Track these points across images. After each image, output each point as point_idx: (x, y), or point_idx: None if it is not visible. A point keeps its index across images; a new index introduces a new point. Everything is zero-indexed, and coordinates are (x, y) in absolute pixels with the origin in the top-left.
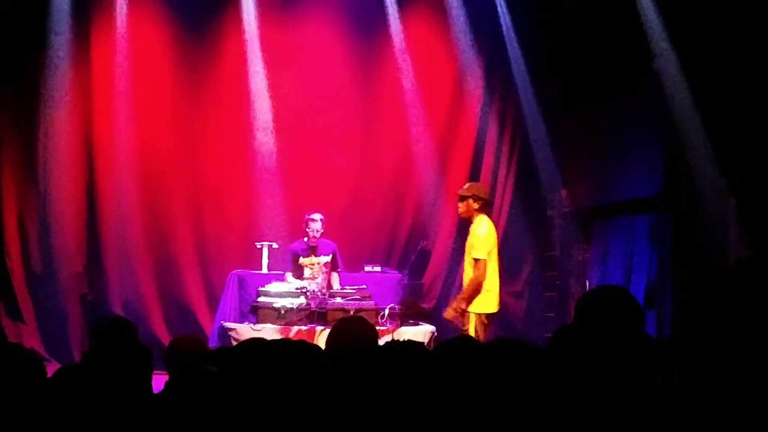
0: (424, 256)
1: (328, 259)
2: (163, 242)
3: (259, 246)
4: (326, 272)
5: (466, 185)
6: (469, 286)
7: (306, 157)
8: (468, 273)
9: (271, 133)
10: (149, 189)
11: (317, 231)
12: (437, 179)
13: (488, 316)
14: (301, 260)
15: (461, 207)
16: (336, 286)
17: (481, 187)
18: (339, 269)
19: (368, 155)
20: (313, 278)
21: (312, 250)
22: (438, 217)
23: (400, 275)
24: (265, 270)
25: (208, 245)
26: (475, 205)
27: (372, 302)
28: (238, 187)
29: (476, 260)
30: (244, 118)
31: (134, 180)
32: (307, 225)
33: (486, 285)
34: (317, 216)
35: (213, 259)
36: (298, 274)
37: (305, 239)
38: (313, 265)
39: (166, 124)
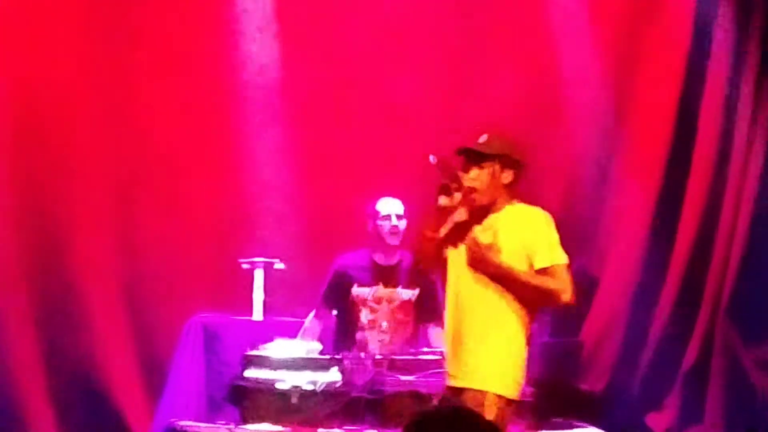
0: (582, 288)
1: (413, 294)
2: (54, 263)
3: (246, 266)
4: (407, 321)
5: (485, 136)
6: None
7: (344, 94)
8: (476, 306)
9: (273, 41)
10: (28, 162)
11: (395, 235)
12: (607, 148)
13: (510, 403)
14: (358, 291)
15: (477, 180)
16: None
17: (515, 145)
18: (435, 317)
19: (471, 100)
20: (375, 327)
21: (384, 274)
22: (609, 215)
23: (535, 325)
24: (257, 315)
25: (144, 269)
26: (507, 178)
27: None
28: (205, 156)
29: (547, 269)
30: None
31: None
32: (374, 222)
33: (516, 348)
34: (395, 205)
35: (154, 295)
36: (344, 318)
37: (372, 252)
38: (382, 301)
39: (68, 52)
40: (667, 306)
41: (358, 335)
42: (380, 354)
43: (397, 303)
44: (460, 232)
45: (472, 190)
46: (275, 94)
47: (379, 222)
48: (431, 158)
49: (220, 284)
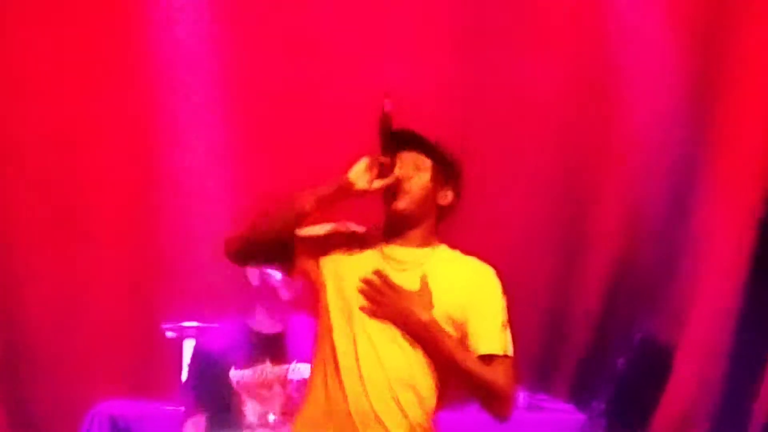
0: (651, 363)
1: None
2: None
3: (171, 335)
4: None
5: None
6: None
7: (322, 84)
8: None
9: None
10: None
11: (288, 287)
12: (685, 162)
13: None
14: (237, 375)
15: (416, 181)
16: None
17: (459, 162)
18: None
19: (486, 87)
20: (266, 425)
21: (270, 346)
22: (689, 258)
23: (584, 416)
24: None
25: (25, 338)
26: (444, 198)
27: None
28: (115, 172)
29: (494, 358)
30: None
31: None
32: (261, 271)
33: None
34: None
35: (39, 376)
36: (219, 419)
37: (248, 318)
38: (274, 386)
39: None
40: None
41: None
42: None
43: (295, 384)
44: (354, 243)
45: (403, 189)
46: (201, 77)
47: (269, 269)
48: (386, 104)
49: (135, 359)
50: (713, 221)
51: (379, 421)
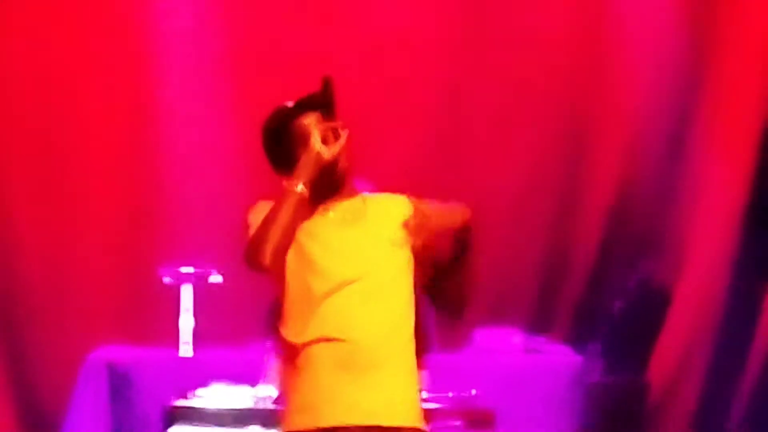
0: (648, 306)
1: None
2: None
3: (168, 281)
4: None
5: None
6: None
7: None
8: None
9: None
10: None
11: None
12: (682, 108)
13: None
14: None
15: (347, 144)
16: None
17: None
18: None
19: (487, 36)
20: None
21: None
22: (686, 201)
23: (581, 358)
24: (185, 349)
25: (22, 285)
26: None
27: None
28: (111, 124)
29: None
30: None
31: None
32: None
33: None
34: None
35: (36, 323)
36: None
37: None
38: None
39: None
40: None
41: None
42: None
43: None
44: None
45: (342, 152)
46: (196, 17)
47: None
48: (290, 103)
49: (132, 306)
50: (711, 165)
51: (353, 356)
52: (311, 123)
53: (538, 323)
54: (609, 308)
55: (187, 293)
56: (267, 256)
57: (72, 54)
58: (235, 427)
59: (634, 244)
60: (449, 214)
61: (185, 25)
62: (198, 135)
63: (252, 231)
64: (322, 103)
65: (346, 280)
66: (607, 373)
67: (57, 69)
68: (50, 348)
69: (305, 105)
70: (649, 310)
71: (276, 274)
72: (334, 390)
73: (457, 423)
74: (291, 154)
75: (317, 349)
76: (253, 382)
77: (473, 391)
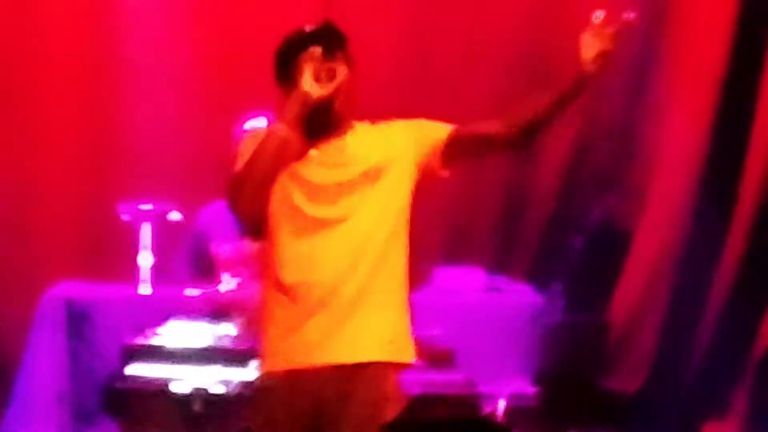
0: (609, 243)
1: None
2: None
3: (126, 218)
4: None
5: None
6: None
7: None
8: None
9: None
10: None
11: None
12: (645, 42)
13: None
14: (218, 250)
15: (344, 79)
16: None
17: None
18: None
19: None
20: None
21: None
22: (647, 139)
23: (542, 297)
24: (144, 286)
25: None
26: (352, 87)
27: (460, 378)
28: (64, 44)
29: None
30: None
31: None
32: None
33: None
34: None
35: None
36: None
37: None
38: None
39: None
40: (731, 268)
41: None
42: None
43: None
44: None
45: (340, 87)
46: None
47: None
48: (309, 27)
49: (91, 243)
50: (671, 102)
51: (336, 294)
52: (307, 59)
53: (499, 262)
54: (570, 246)
55: (146, 230)
56: (242, 203)
57: None
58: (194, 364)
59: (595, 181)
60: (437, 127)
61: None
62: (158, 70)
63: (239, 163)
64: (325, 39)
65: (321, 222)
66: (568, 313)
67: (17, 3)
68: (9, 284)
69: (312, 37)
70: (610, 248)
71: (254, 218)
72: (303, 332)
73: (418, 362)
74: (292, 85)
75: (288, 291)
76: (212, 319)
77: (434, 331)
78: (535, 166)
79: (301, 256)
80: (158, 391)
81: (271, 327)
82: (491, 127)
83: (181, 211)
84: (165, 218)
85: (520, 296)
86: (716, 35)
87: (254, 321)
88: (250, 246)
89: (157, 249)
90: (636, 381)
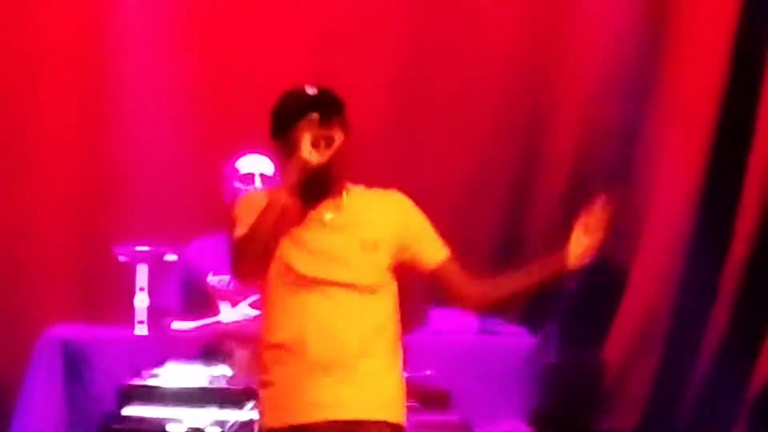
0: (604, 285)
1: None
2: None
3: (123, 259)
4: None
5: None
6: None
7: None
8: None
9: None
10: None
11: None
12: (640, 80)
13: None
14: (215, 281)
15: (340, 147)
16: None
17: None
18: None
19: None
20: (251, 337)
21: None
22: (642, 177)
23: (536, 338)
24: (140, 328)
25: None
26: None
27: (455, 419)
28: (64, 87)
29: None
30: None
31: None
32: (231, 186)
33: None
34: (260, 162)
35: None
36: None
37: None
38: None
39: None
40: (726, 309)
41: (223, 345)
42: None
43: None
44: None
45: (336, 152)
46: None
47: (238, 185)
48: (310, 90)
49: (87, 284)
50: (666, 143)
51: (335, 350)
52: (305, 127)
53: None
54: (564, 287)
55: (142, 272)
56: (245, 269)
57: (26, 25)
58: (191, 406)
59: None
60: (431, 245)
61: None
62: (154, 113)
63: (239, 226)
64: (323, 106)
65: (315, 281)
66: (562, 353)
67: (10, 40)
68: (5, 325)
69: (311, 103)
70: (604, 290)
71: (257, 282)
72: (304, 389)
73: (413, 404)
74: (287, 143)
75: (288, 349)
76: (207, 362)
77: (428, 372)
78: (530, 206)
79: (295, 313)
80: None
81: (269, 382)
82: (467, 288)
83: (176, 252)
84: (161, 259)
85: (514, 337)
86: (715, 56)
87: (257, 355)
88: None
89: (153, 290)
90: (630, 421)
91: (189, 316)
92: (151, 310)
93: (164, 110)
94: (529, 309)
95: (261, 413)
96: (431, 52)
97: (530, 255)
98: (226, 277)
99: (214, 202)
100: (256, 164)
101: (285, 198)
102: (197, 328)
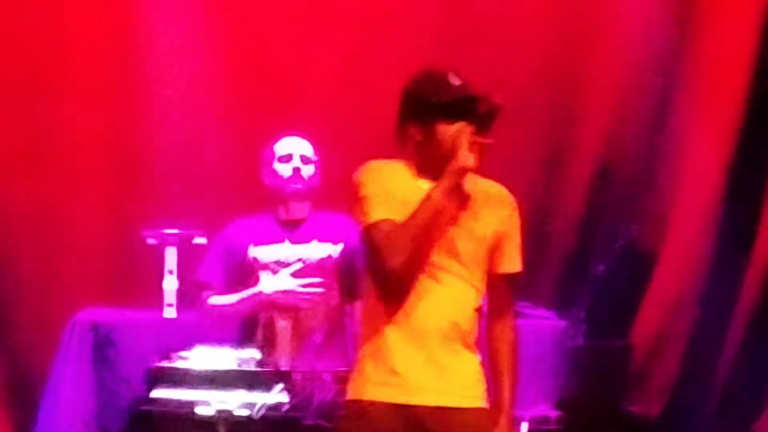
0: (632, 269)
1: (335, 251)
2: None
3: (152, 242)
4: (328, 287)
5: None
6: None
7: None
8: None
9: None
10: None
11: (298, 180)
12: (667, 77)
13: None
14: (256, 252)
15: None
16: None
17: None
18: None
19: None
20: (292, 307)
21: (290, 229)
22: (670, 168)
23: (565, 322)
24: (169, 311)
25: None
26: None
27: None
28: (92, 73)
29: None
30: None
31: None
32: (270, 168)
33: None
34: (298, 144)
35: (18, 284)
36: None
37: (274, 212)
38: (289, 262)
39: None
40: (753, 294)
41: (262, 315)
42: (295, 343)
43: (312, 262)
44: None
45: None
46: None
47: (277, 166)
48: (454, 80)
49: (116, 267)
50: (694, 130)
51: (445, 337)
52: (464, 131)
53: (522, 288)
54: (593, 272)
55: (171, 255)
56: (399, 267)
57: (58, 9)
58: (219, 389)
59: (618, 208)
60: (516, 251)
61: None
62: (186, 95)
63: (364, 191)
64: (487, 117)
65: (439, 267)
66: (591, 337)
67: (41, 24)
68: (35, 310)
69: (463, 104)
70: (632, 274)
71: (401, 278)
72: (411, 370)
73: None
74: (428, 139)
75: (406, 330)
76: (246, 335)
77: None
78: (560, 194)
79: (418, 298)
80: (183, 414)
81: (374, 358)
82: (494, 316)
83: (206, 236)
84: (190, 242)
85: (543, 321)
86: (740, 59)
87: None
88: (291, 247)
89: (182, 273)
90: (658, 405)
91: (229, 290)
92: (190, 286)
93: (193, 94)
94: (558, 293)
95: (357, 383)
96: (462, 48)
97: (560, 233)
98: (267, 247)
99: (243, 186)
100: (295, 146)
101: (442, 201)
102: (238, 301)
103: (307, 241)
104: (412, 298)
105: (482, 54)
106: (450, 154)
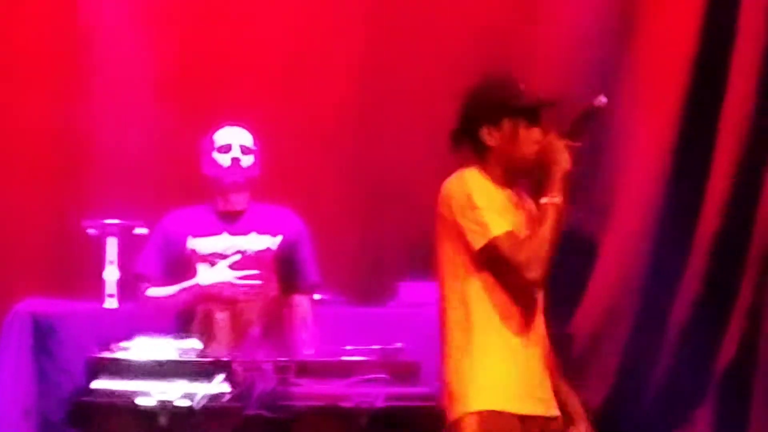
0: (574, 257)
1: (273, 243)
2: None
3: (92, 232)
4: (266, 279)
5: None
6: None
7: None
8: None
9: None
10: None
11: (236, 170)
12: (610, 57)
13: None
14: (194, 243)
15: None
16: (307, 336)
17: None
18: (312, 286)
19: None
20: (230, 299)
21: (228, 221)
22: (612, 152)
23: None
24: (110, 301)
25: None
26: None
27: (425, 391)
28: (44, 68)
29: None
30: None
31: None
32: (209, 157)
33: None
34: (238, 134)
35: None
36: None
37: (211, 203)
38: (227, 254)
39: None
40: (695, 283)
41: (200, 308)
42: (235, 334)
43: (250, 254)
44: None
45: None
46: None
47: (216, 155)
48: (601, 99)
49: (56, 257)
50: (636, 114)
51: (542, 346)
52: (557, 136)
53: None
54: None
55: (112, 245)
56: (542, 279)
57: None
58: (160, 379)
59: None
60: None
61: None
62: (125, 85)
63: (478, 202)
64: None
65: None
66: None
67: None
68: None
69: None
70: (574, 264)
71: (542, 288)
72: (529, 380)
73: (383, 376)
74: (507, 139)
75: (518, 338)
76: (184, 327)
77: (399, 345)
78: None
79: (521, 310)
80: (124, 405)
81: (498, 367)
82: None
83: (147, 226)
84: (131, 232)
85: None
86: (681, 46)
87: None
88: (230, 238)
89: (123, 263)
90: (599, 395)
91: (167, 282)
92: (128, 277)
93: (132, 84)
94: None
95: (474, 395)
96: (396, 38)
97: None
98: (206, 239)
99: (183, 176)
100: (234, 135)
101: (563, 205)
102: (176, 293)
103: (245, 232)
104: (531, 309)
105: (413, 45)
106: (544, 158)
